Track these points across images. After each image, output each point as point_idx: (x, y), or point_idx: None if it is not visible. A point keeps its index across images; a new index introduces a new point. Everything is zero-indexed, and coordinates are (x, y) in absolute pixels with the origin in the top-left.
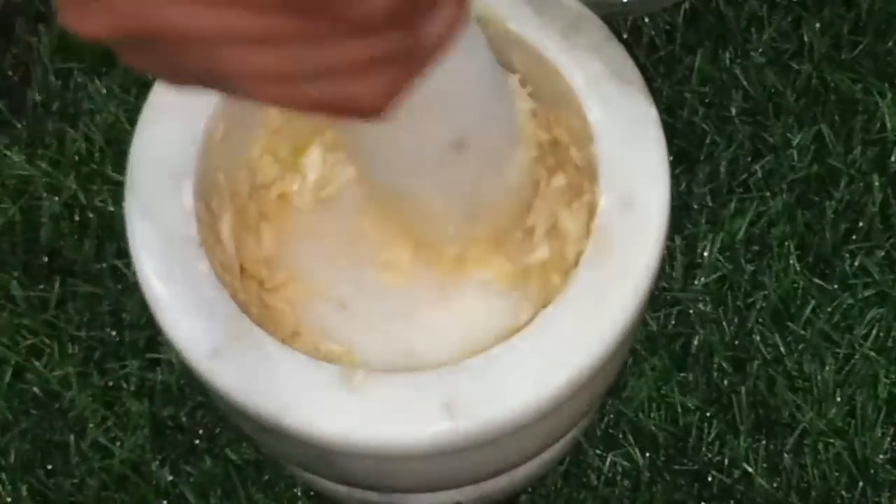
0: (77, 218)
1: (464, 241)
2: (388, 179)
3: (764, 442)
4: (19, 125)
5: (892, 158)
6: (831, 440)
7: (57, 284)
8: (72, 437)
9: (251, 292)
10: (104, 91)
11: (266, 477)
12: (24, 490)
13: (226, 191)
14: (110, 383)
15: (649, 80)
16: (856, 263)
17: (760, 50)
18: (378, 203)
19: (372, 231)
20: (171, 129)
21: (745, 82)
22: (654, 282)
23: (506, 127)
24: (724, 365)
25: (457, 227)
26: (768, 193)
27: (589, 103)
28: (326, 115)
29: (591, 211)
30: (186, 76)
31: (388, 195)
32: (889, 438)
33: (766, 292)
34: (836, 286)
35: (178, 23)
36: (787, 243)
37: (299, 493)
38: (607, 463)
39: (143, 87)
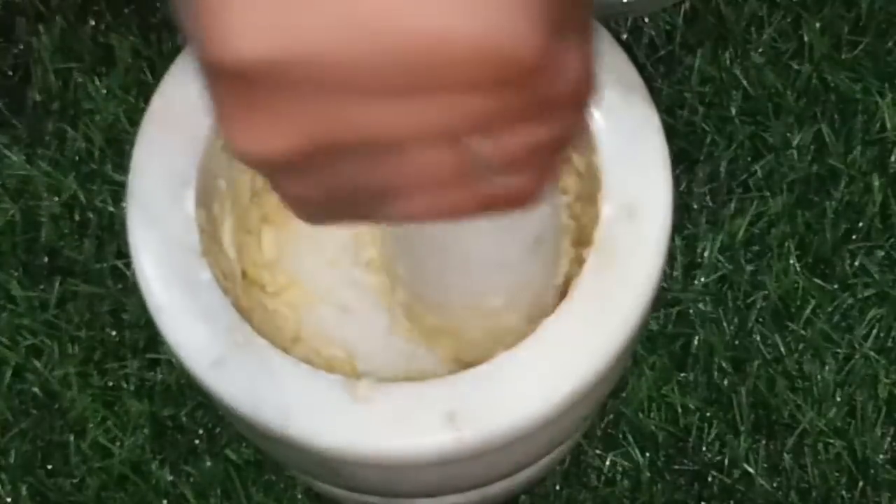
0: (77, 218)
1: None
2: (462, 299)
3: (764, 442)
4: (19, 125)
5: (892, 158)
6: (831, 440)
7: (57, 284)
8: (72, 437)
9: (253, 297)
10: (104, 91)
11: (266, 477)
12: (24, 490)
13: (227, 196)
14: (110, 383)
15: (649, 81)
16: (856, 263)
17: (760, 50)
18: (435, 332)
19: (372, 236)
20: (173, 137)
21: (745, 82)
22: (656, 289)
23: (558, 218)
24: (724, 365)
25: (516, 333)
26: (768, 193)
27: (591, 111)
28: (478, 215)
29: (594, 219)
30: (341, 202)
31: (454, 319)
32: (889, 438)
33: (766, 292)
34: (836, 286)
35: (372, 122)
36: (787, 243)
37: (299, 494)
38: (607, 463)
39: (144, 87)
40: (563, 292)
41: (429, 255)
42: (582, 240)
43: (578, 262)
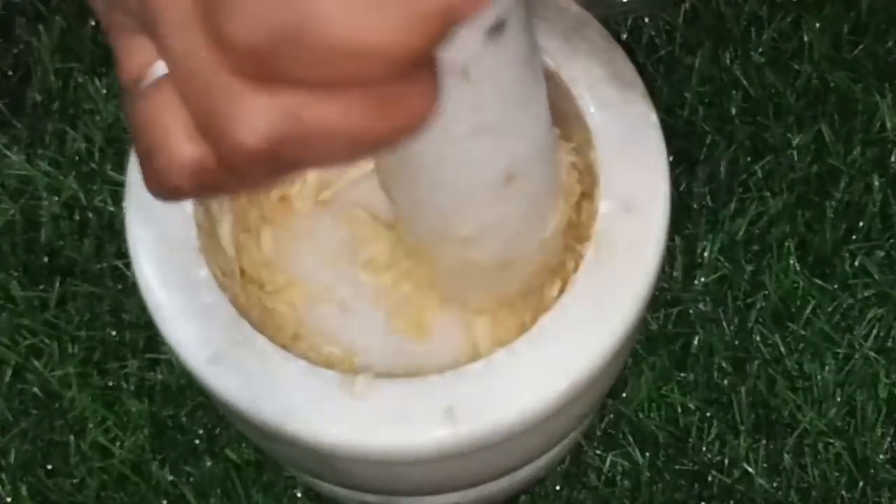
0: (77, 218)
1: (491, 297)
2: (431, 221)
3: (764, 442)
4: (19, 125)
5: (892, 158)
6: (831, 440)
7: (57, 284)
8: (72, 437)
9: (252, 296)
10: (104, 91)
11: (266, 477)
12: (24, 490)
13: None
14: (110, 383)
15: (649, 81)
16: (856, 263)
17: (760, 50)
18: (414, 255)
19: (370, 233)
20: None
21: (745, 82)
22: (654, 286)
23: (549, 171)
24: (724, 365)
25: (489, 278)
26: (768, 193)
27: (589, 108)
28: (392, 141)
29: (591, 216)
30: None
31: (427, 241)
32: (889, 438)
33: (766, 292)
34: (836, 286)
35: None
36: (787, 243)
37: (299, 494)
38: (607, 463)
39: None
40: (556, 267)
41: (401, 168)
42: (580, 236)
43: (576, 258)
